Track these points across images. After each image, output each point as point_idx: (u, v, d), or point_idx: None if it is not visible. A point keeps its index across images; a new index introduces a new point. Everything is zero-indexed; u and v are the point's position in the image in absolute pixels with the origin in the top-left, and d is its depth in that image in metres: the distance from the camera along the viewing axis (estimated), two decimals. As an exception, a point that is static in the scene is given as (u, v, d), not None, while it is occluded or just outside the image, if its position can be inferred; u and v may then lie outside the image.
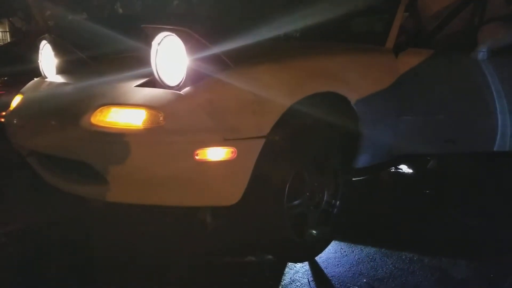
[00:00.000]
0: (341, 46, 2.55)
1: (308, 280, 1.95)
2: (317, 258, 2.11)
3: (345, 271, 2.02)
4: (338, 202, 2.16)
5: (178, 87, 1.71)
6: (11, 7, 12.16)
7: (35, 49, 2.52)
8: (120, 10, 11.16)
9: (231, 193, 1.77)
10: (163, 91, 1.73)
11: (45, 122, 2.01)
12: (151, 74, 1.80)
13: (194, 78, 1.71)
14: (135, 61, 2.21)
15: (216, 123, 1.67)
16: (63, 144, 1.87)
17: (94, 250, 2.18)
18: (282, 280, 1.95)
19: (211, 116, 1.67)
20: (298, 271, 2.02)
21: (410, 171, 3.57)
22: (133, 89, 1.82)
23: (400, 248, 2.21)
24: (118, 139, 1.66)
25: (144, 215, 2.40)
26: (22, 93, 2.38)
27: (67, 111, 1.91)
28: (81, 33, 4.41)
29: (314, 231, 2.08)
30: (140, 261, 2.08)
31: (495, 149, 2.57)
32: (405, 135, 2.36)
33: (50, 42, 2.44)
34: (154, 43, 1.76)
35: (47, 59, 2.48)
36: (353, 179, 2.32)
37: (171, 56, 1.74)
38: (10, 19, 14.09)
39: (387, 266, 2.05)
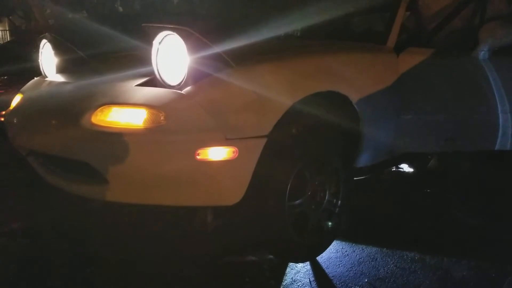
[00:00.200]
0: (342, 45, 2.54)
1: (310, 280, 1.95)
2: (318, 258, 2.11)
3: (346, 271, 2.01)
4: (339, 202, 2.16)
5: (179, 86, 1.71)
6: (11, 5, 12.15)
7: (35, 48, 2.52)
8: (121, 9, 11.16)
9: (232, 193, 1.77)
10: (164, 91, 1.73)
11: (45, 121, 2.01)
12: (152, 73, 1.79)
13: (195, 77, 1.70)
14: (136, 60, 2.20)
15: (217, 122, 1.67)
16: (63, 143, 1.87)
17: (94, 250, 2.18)
18: (283, 280, 1.95)
19: (212, 116, 1.66)
20: (299, 271, 2.02)
21: (411, 170, 3.56)
22: (134, 88, 1.82)
23: (401, 247, 2.20)
24: (118, 139, 1.65)
25: (144, 215, 2.39)
26: (22, 92, 2.37)
27: (68, 111, 1.90)
28: (82, 32, 4.39)
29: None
30: (140, 261, 2.07)
31: (496, 148, 2.56)
32: (406, 134, 2.36)
33: (50, 41, 2.44)
34: (155, 42, 1.76)
35: (48, 58, 2.47)
36: (354, 178, 2.32)
37: (172, 55, 1.74)
38: (10, 17, 14.08)
39: (389, 266, 2.05)
